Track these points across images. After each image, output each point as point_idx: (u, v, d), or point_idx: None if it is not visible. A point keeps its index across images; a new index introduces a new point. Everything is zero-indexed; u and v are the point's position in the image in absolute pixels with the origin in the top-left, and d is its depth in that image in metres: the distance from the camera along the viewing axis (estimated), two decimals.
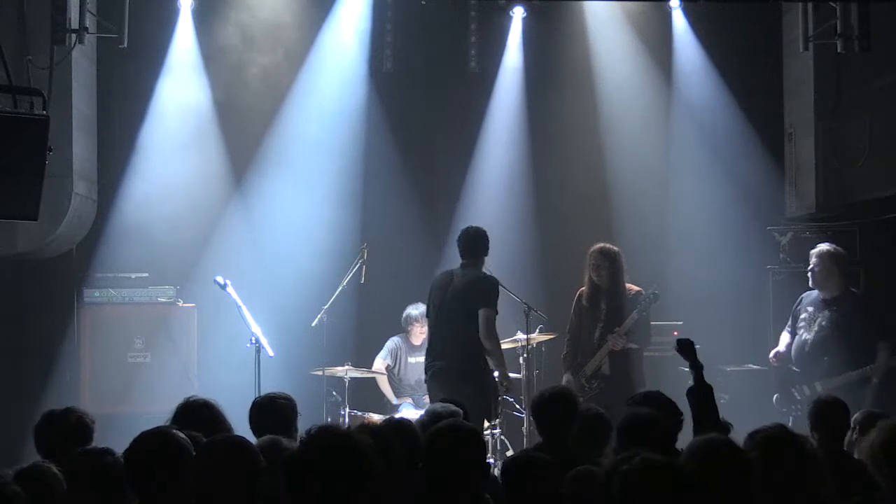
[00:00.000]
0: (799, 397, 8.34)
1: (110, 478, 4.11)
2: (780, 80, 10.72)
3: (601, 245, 8.62)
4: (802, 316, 8.50)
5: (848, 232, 10.01)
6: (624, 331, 8.39)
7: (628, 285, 8.63)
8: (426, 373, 8.29)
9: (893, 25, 9.27)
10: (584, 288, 8.70)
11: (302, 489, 3.38)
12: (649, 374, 8.79)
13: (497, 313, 8.00)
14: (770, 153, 10.65)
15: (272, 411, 5.36)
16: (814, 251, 8.52)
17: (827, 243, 8.63)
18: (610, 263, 8.52)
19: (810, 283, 8.50)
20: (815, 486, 4.07)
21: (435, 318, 8.20)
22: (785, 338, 8.67)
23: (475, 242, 8.10)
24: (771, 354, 8.69)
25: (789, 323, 8.71)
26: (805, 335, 8.44)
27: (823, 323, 8.33)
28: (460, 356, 7.98)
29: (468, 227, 8.22)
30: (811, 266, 8.46)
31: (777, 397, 8.48)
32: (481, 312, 7.88)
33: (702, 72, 10.75)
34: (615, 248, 8.62)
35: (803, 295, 8.62)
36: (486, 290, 7.96)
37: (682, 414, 5.43)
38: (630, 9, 10.74)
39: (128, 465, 3.99)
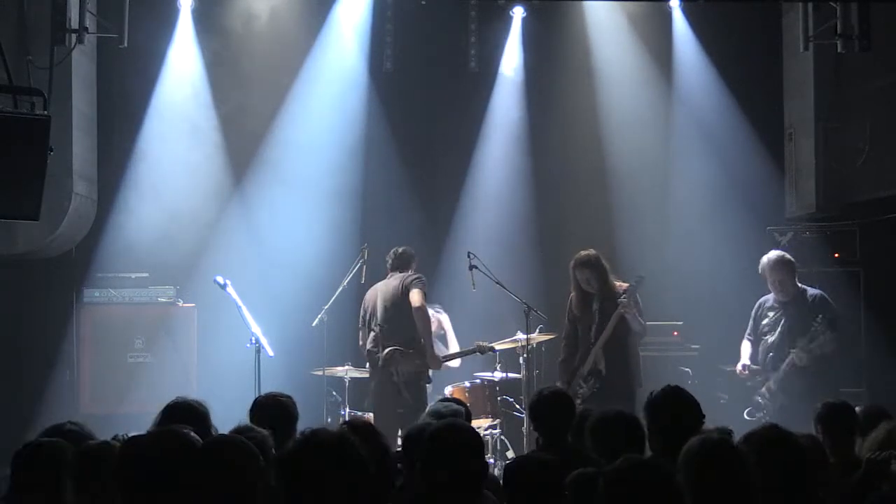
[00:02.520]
0: (762, 401, 8.44)
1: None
2: (780, 80, 10.71)
3: (580, 256, 8.61)
4: (765, 321, 8.64)
5: (848, 232, 10.02)
6: (628, 300, 8.39)
7: (617, 283, 8.63)
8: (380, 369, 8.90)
9: (893, 25, 9.27)
10: (573, 294, 8.70)
11: (296, 491, 3.37)
12: (649, 374, 8.79)
13: (426, 292, 9.00)
14: (770, 153, 10.64)
15: (273, 410, 5.37)
16: (770, 266, 8.58)
17: (773, 252, 8.74)
18: (594, 270, 8.54)
19: (779, 295, 8.59)
20: (813, 484, 4.07)
21: (381, 317, 8.97)
22: (746, 347, 8.76)
23: (407, 260, 9.14)
24: (738, 368, 8.72)
25: (749, 330, 8.80)
26: (769, 338, 8.56)
27: (784, 326, 8.47)
28: (413, 343, 8.89)
29: (398, 248, 9.19)
30: (776, 278, 8.56)
31: (749, 409, 8.53)
32: (413, 292, 8.88)
33: (702, 72, 10.75)
34: (593, 253, 8.61)
35: (760, 300, 8.73)
36: (419, 278, 9.01)
37: (703, 416, 5.32)
38: (630, 9, 10.74)
39: (139, 463, 3.98)
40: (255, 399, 5.59)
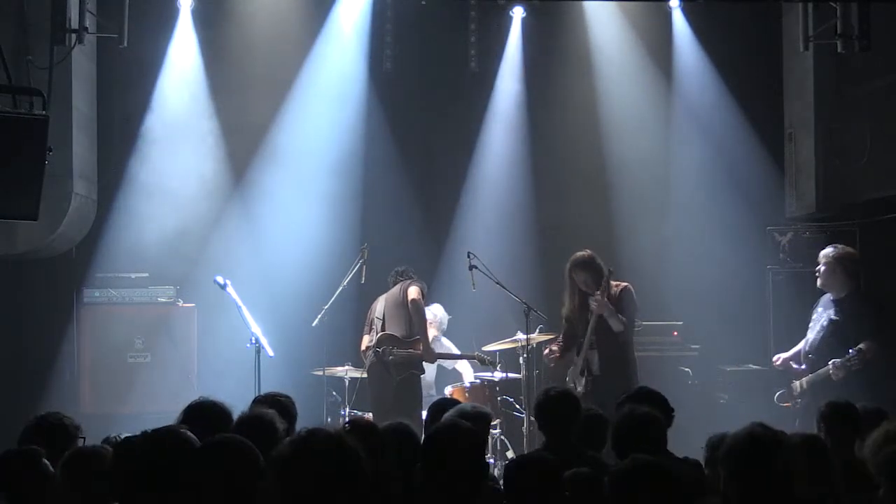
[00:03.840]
0: (796, 393, 8.42)
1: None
2: (780, 80, 10.71)
3: (576, 257, 8.60)
4: (813, 316, 8.54)
5: (848, 232, 10.01)
6: (604, 298, 8.36)
7: (612, 283, 8.63)
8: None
9: (893, 25, 9.27)
10: (567, 294, 8.68)
11: (293, 493, 3.37)
12: (649, 374, 8.77)
13: (424, 293, 9.29)
14: (770, 153, 10.64)
15: (273, 409, 5.38)
16: (821, 253, 8.52)
17: (833, 245, 8.61)
18: (590, 271, 8.53)
19: (818, 283, 8.49)
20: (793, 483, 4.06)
21: (380, 313, 9.26)
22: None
23: (408, 275, 9.33)
24: (775, 357, 8.69)
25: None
26: (810, 334, 8.48)
27: (824, 322, 8.36)
28: (410, 336, 9.10)
29: (398, 268, 9.40)
30: (818, 268, 8.47)
31: (780, 393, 8.50)
32: (412, 286, 9.17)
33: (702, 72, 10.75)
34: (588, 254, 8.59)
35: (822, 296, 8.59)
36: (416, 279, 9.28)
37: (673, 410, 5.43)
38: (630, 9, 10.73)
39: (136, 462, 3.99)
40: (254, 399, 5.60)
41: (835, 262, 8.38)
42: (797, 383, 8.40)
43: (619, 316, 8.41)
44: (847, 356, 8.00)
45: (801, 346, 8.59)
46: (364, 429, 4.68)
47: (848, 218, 10.05)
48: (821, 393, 7.94)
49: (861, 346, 8.03)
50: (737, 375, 9.65)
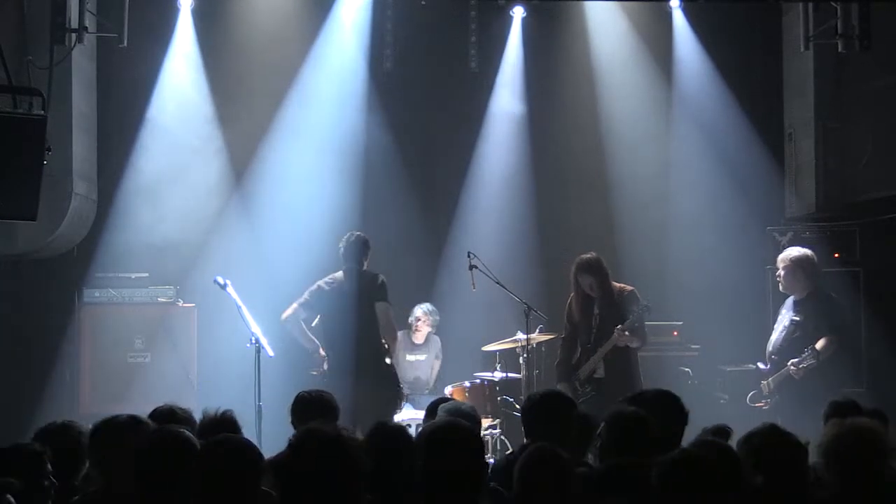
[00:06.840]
0: (766, 392, 8.53)
1: None
2: (780, 80, 10.72)
3: (581, 260, 8.60)
4: (778, 318, 8.71)
5: (848, 232, 10.03)
6: (626, 329, 8.39)
7: (617, 285, 8.63)
8: (347, 373, 8.54)
9: (893, 25, 9.28)
10: (573, 297, 8.70)
11: (293, 492, 3.37)
12: (649, 374, 8.79)
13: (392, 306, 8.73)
14: (770, 153, 10.65)
15: (317, 405, 5.45)
16: (780, 257, 8.71)
17: (795, 247, 8.79)
18: (595, 274, 8.53)
19: (780, 287, 8.67)
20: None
21: (339, 319, 8.65)
22: None
23: (359, 248, 8.79)
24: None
25: None
26: (773, 335, 8.64)
27: (786, 323, 8.54)
28: (376, 353, 8.61)
29: (350, 234, 8.87)
30: (778, 272, 8.63)
31: (752, 394, 8.58)
32: (380, 306, 8.60)
33: (702, 72, 10.75)
34: (594, 257, 8.60)
35: (787, 299, 8.72)
36: (384, 287, 8.68)
37: (687, 413, 5.38)
38: (630, 8, 10.74)
39: (135, 462, 3.99)
40: (299, 393, 5.72)
41: (794, 264, 8.53)
42: (765, 383, 8.54)
43: (637, 337, 8.45)
44: (803, 355, 8.20)
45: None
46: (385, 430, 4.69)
47: (848, 218, 10.06)
48: (786, 391, 8.27)
49: (816, 344, 8.23)
50: (737, 375, 9.65)
